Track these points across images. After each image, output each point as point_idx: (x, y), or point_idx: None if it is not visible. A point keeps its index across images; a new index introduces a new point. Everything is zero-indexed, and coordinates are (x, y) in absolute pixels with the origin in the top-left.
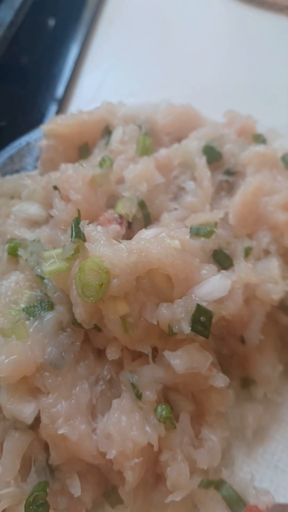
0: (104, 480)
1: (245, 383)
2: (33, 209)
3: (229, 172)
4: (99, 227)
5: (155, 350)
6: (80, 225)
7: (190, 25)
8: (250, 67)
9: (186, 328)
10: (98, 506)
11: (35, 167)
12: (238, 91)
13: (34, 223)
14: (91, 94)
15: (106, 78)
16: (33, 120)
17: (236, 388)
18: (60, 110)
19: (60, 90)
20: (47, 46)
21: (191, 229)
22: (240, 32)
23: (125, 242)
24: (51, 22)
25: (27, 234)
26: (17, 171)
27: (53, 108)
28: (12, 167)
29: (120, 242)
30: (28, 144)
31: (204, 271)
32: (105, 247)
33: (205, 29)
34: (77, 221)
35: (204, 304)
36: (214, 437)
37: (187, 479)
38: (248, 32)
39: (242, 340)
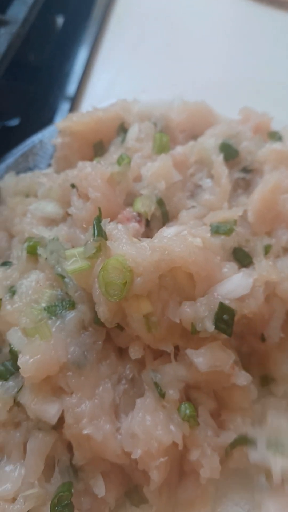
0: (127, 479)
1: (264, 381)
2: (50, 207)
3: (246, 170)
4: (120, 226)
5: (176, 349)
6: (102, 224)
7: (201, 22)
8: (262, 63)
9: (210, 326)
10: (120, 506)
11: (49, 165)
12: (251, 87)
13: (51, 221)
14: (103, 91)
15: (117, 75)
16: (45, 118)
17: (256, 386)
18: (73, 107)
19: (72, 88)
20: (59, 43)
21: (211, 227)
22: (252, 29)
23: (148, 240)
24: (61, 20)
25: (45, 233)
26: (31, 169)
27: (65, 105)
28: (26, 165)
29: (140, 240)
30: (41, 141)
31: (225, 269)
32: (128, 246)
33: (216, 26)
34: (98, 219)
35: (226, 302)
36: (238, 418)
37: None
38: (260, 29)
39: (262, 338)
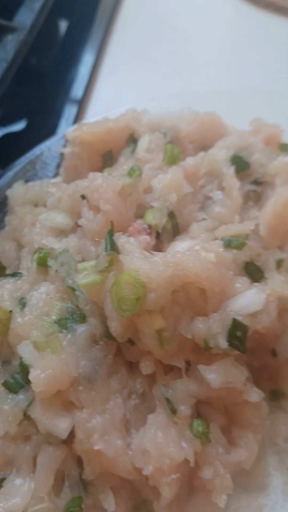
0: (136, 494)
1: (274, 395)
2: (60, 218)
3: (256, 182)
4: (132, 239)
5: (187, 364)
6: (114, 237)
7: (207, 28)
8: (270, 72)
9: (223, 343)
10: None
11: (56, 174)
12: (258, 97)
13: (61, 232)
14: (110, 97)
15: (124, 80)
16: (51, 123)
17: (266, 400)
18: (79, 113)
19: (78, 93)
20: (63, 48)
21: (223, 240)
22: (259, 38)
23: (160, 254)
24: (66, 25)
25: (55, 244)
26: (39, 177)
27: (70, 111)
28: (34, 173)
29: (151, 253)
30: (49, 149)
31: (238, 284)
32: (141, 260)
33: (224, 33)
34: (111, 233)
35: (239, 318)
36: (249, 434)
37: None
38: (266, 38)
39: (273, 353)
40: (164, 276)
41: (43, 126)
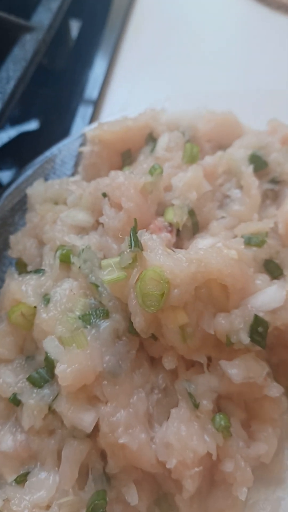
0: (157, 487)
1: None
2: (81, 216)
3: (274, 181)
4: (154, 236)
5: (208, 359)
6: (138, 234)
7: (220, 30)
8: (282, 73)
9: (245, 338)
10: None
11: (74, 172)
12: (271, 97)
13: (82, 230)
14: (123, 98)
15: (137, 82)
16: (66, 124)
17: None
18: (94, 114)
19: (93, 95)
20: (76, 48)
21: (243, 238)
22: (271, 39)
23: (183, 251)
24: (78, 25)
25: (77, 241)
26: (58, 175)
27: (87, 112)
28: (52, 172)
29: (173, 251)
30: (67, 148)
31: (258, 281)
32: (165, 257)
33: (236, 34)
34: (134, 230)
35: (260, 314)
36: (268, 429)
37: (252, 482)
38: (279, 39)
39: None
40: (187, 273)
41: (58, 126)
